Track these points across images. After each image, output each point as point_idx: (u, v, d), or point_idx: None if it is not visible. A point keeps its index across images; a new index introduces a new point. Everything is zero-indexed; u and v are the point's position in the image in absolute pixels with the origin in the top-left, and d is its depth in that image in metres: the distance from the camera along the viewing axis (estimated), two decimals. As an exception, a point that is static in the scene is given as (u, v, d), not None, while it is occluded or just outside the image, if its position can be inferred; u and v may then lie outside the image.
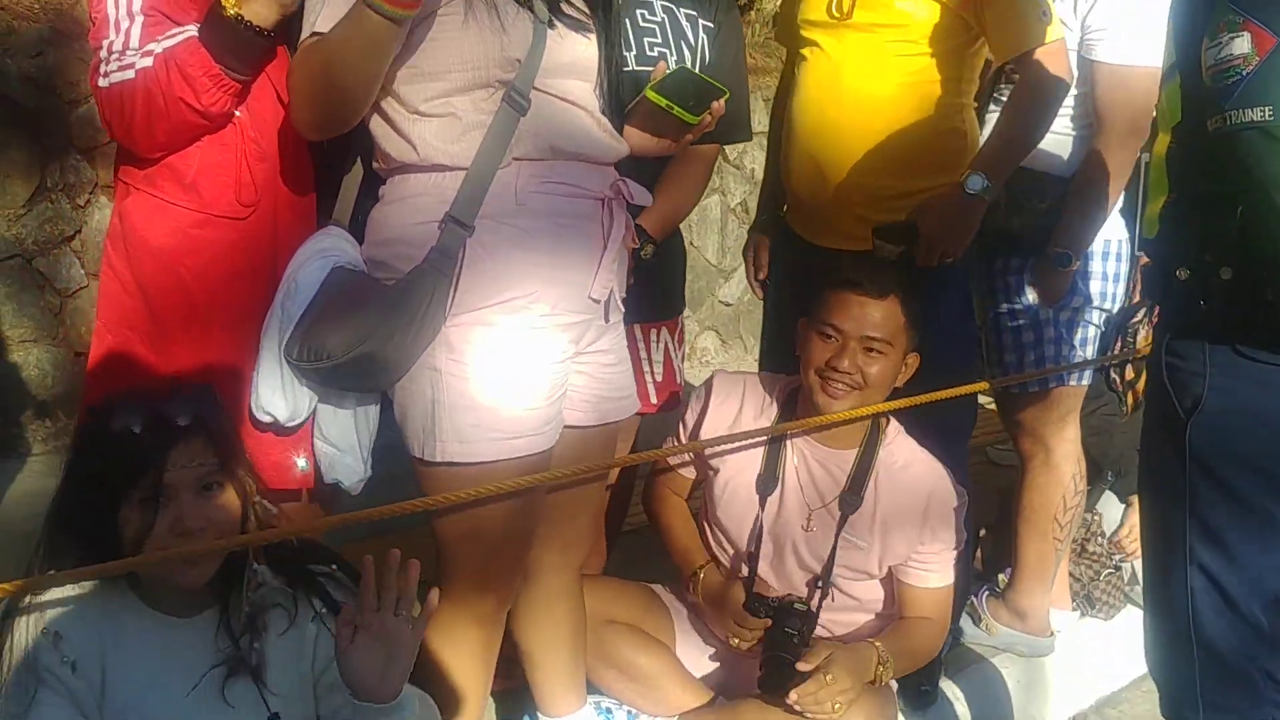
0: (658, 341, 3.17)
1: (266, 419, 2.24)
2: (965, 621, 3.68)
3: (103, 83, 2.21)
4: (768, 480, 2.89)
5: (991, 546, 3.99)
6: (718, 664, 3.07)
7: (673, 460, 3.07)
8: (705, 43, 3.05)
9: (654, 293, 3.02)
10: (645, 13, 3.00)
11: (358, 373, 2.17)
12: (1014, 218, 3.27)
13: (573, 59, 2.26)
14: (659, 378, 3.18)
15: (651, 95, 2.33)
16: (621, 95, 2.40)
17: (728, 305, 7.41)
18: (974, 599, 3.70)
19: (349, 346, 2.12)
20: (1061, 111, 3.20)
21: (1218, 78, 2.06)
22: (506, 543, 2.31)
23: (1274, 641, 2.40)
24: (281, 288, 2.25)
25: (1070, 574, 3.89)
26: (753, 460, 2.92)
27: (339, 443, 2.27)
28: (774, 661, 2.73)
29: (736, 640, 2.84)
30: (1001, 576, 3.75)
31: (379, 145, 2.25)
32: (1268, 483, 2.25)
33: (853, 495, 2.83)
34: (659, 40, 3.01)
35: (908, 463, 2.89)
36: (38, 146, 4.74)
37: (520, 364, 2.20)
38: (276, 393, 2.22)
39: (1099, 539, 3.96)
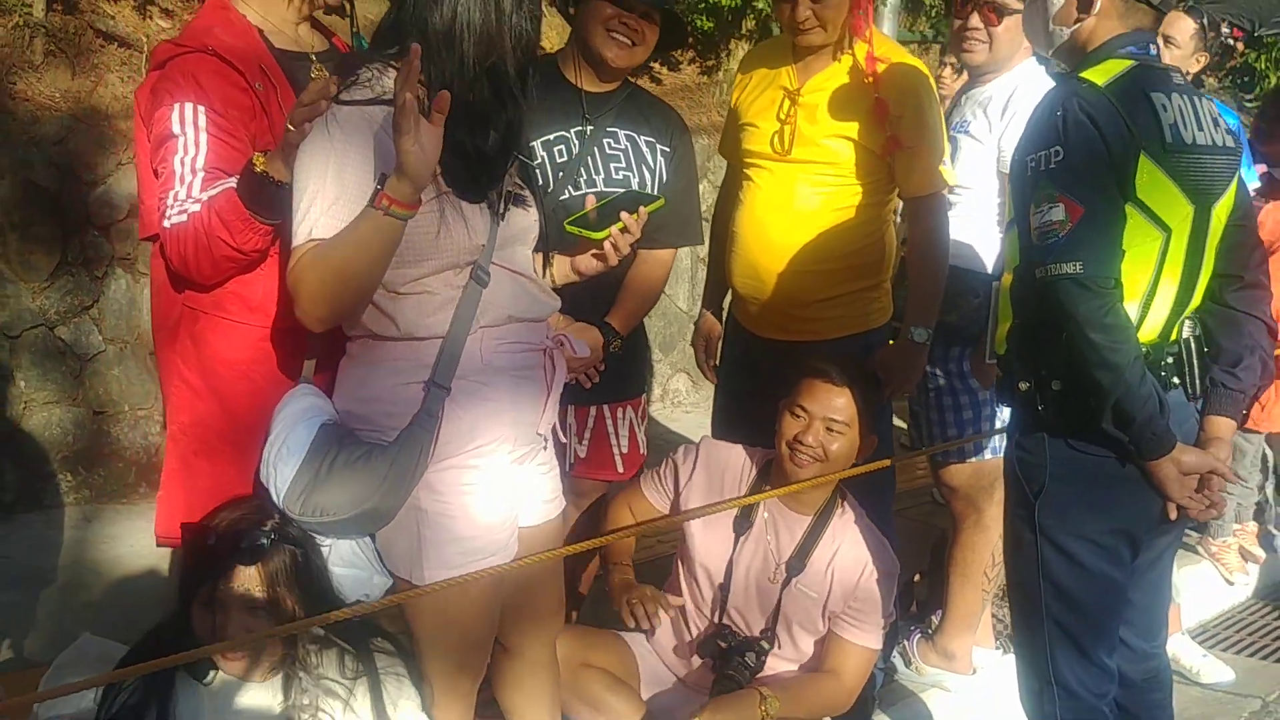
0: (623, 418, 3.67)
1: None
2: (897, 661, 4.20)
3: (166, 224, 2.62)
4: (741, 522, 3.44)
5: (925, 591, 4.50)
6: (676, 700, 3.57)
7: (648, 494, 3.59)
8: (663, 165, 3.56)
9: (619, 376, 3.51)
10: (610, 142, 3.50)
11: (360, 523, 2.52)
12: (951, 312, 3.78)
13: (518, 229, 2.64)
14: (625, 450, 3.68)
15: (567, 226, 2.79)
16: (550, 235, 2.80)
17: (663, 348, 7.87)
18: (905, 642, 4.22)
19: (355, 505, 2.47)
20: (986, 217, 3.82)
21: (1041, 237, 2.65)
22: (474, 634, 2.72)
23: (1123, 679, 2.99)
24: (272, 446, 2.55)
25: (994, 615, 4.39)
26: (733, 509, 3.44)
27: (354, 563, 2.61)
28: (726, 680, 3.29)
29: (629, 617, 3.32)
30: (933, 619, 4.25)
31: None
32: (1100, 550, 2.84)
33: (797, 561, 3.38)
34: (623, 165, 3.51)
35: (855, 540, 3.42)
36: (59, 225, 5.16)
37: (491, 498, 2.59)
38: None
39: (1019, 584, 4.46)
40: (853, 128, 3.52)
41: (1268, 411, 5.16)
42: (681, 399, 7.67)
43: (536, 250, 2.78)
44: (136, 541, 4.92)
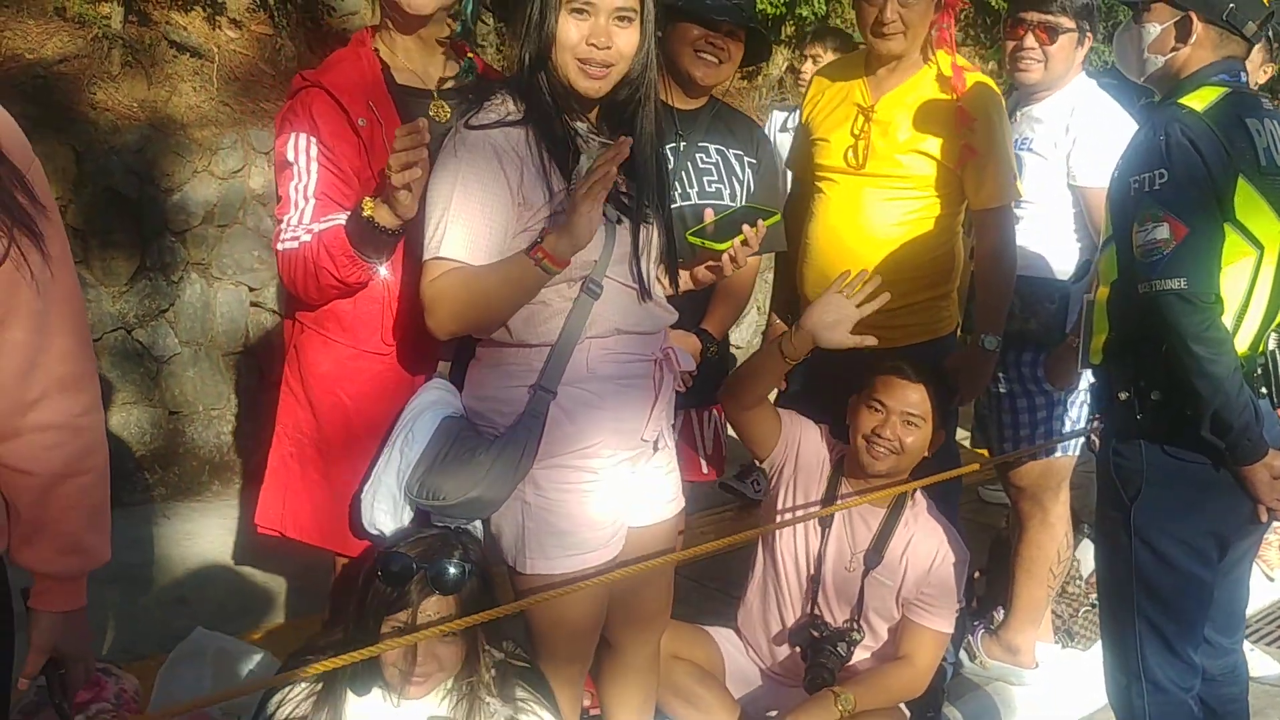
0: (708, 422, 3.78)
1: (375, 533, 2.79)
2: (963, 656, 4.30)
3: (280, 247, 2.79)
4: (826, 520, 3.54)
5: (985, 587, 4.62)
6: (758, 691, 3.72)
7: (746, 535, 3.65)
8: (750, 176, 3.68)
9: (704, 381, 3.55)
10: (702, 156, 3.61)
11: (466, 508, 2.67)
12: (1030, 320, 3.90)
13: (634, 244, 2.70)
14: (709, 451, 3.79)
15: (689, 238, 2.89)
16: (678, 253, 2.89)
17: (738, 349, 7.99)
18: (970, 637, 4.32)
19: (462, 492, 2.62)
20: (1060, 227, 3.94)
21: (1145, 254, 2.77)
22: (583, 628, 2.86)
23: (1204, 674, 3.10)
24: (399, 432, 2.72)
25: (1053, 611, 4.49)
26: (814, 494, 3.56)
27: None
28: (818, 668, 3.40)
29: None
30: (996, 614, 4.36)
31: None
32: (1192, 551, 2.96)
33: (874, 554, 3.49)
34: (715, 178, 3.62)
35: (927, 531, 3.53)
36: (137, 231, 5.30)
37: (590, 497, 2.71)
38: (389, 516, 2.74)
39: (1078, 581, 4.57)
40: (926, 142, 3.61)
41: None
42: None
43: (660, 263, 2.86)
44: (215, 538, 5.06)
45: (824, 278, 3.77)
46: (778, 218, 2.97)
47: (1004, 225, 3.71)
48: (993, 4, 9.03)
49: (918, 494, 3.57)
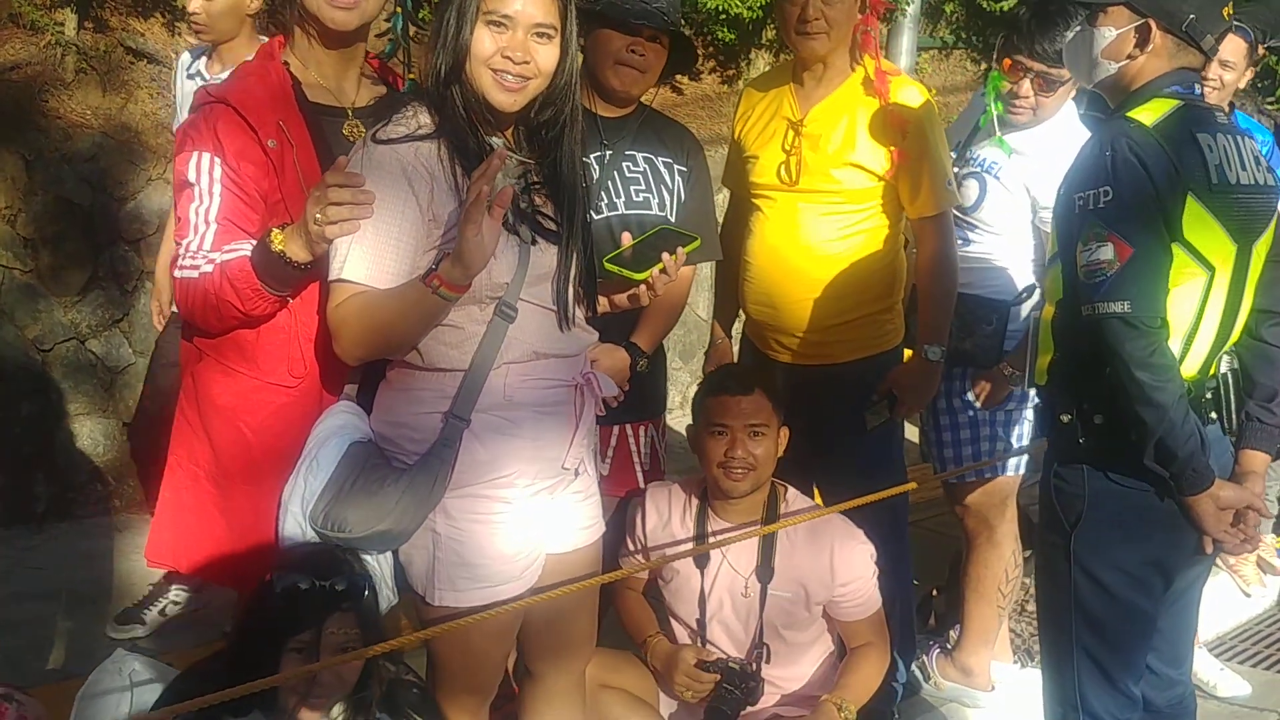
0: (645, 436, 3.62)
1: None
2: (918, 676, 4.15)
3: (177, 274, 2.60)
4: (700, 557, 3.39)
5: (944, 605, 4.46)
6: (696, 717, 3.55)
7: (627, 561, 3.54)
8: (680, 184, 3.51)
9: (640, 395, 3.42)
10: (629, 165, 3.45)
11: (374, 541, 2.54)
12: (966, 339, 3.76)
13: (549, 267, 2.58)
14: (647, 467, 3.64)
15: (606, 265, 2.74)
16: (596, 269, 2.75)
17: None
18: (924, 657, 4.17)
19: (369, 525, 2.49)
20: (1011, 252, 3.80)
21: (1089, 275, 2.61)
22: (488, 660, 2.74)
23: (1147, 706, 2.95)
24: (303, 460, 2.58)
25: (1011, 630, 4.36)
26: (686, 548, 3.39)
27: (370, 575, 2.63)
28: (715, 712, 3.26)
29: (688, 694, 3.32)
30: (952, 633, 4.21)
31: None
32: (1133, 581, 2.80)
33: (764, 568, 3.33)
34: (643, 186, 3.46)
35: (808, 525, 3.35)
36: (91, 240, 5.18)
37: (504, 528, 2.58)
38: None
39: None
40: (859, 153, 3.50)
41: None
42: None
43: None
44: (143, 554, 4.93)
45: (766, 296, 3.68)
46: (698, 243, 2.82)
47: (941, 233, 3.59)
48: (985, 6, 8.87)
49: (788, 493, 3.43)
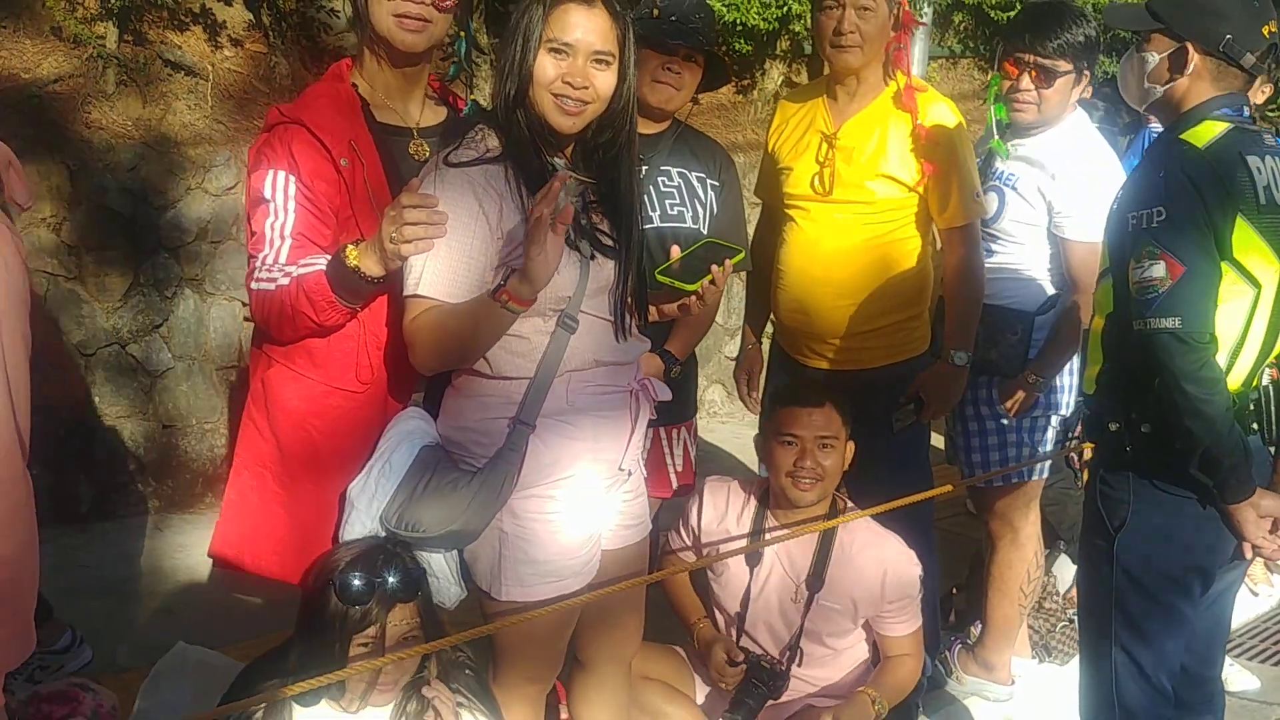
0: (677, 439, 3.70)
1: None
2: (939, 672, 4.22)
3: (254, 285, 2.67)
4: (753, 556, 3.47)
5: (964, 602, 4.54)
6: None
7: (679, 552, 3.64)
8: (713, 198, 3.60)
9: (674, 400, 3.46)
10: (664, 180, 3.54)
11: (447, 540, 2.63)
12: (991, 349, 3.81)
13: (607, 280, 2.67)
14: (679, 469, 3.71)
15: (658, 276, 2.79)
16: (647, 281, 2.82)
17: (732, 360, 7.93)
18: (947, 652, 4.23)
19: (443, 525, 2.58)
20: (1034, 262, 3.86)
21: (1141, 292, 2.67)
22: (548, 651, 2.82)
23: (1179, 702, 3.01)
24: (375, 462, 2.65)
25: (1030, 626, 4.42)
26: (739, 544, 3.49)
27: (438, 573, 2.70)
28: (739, 704, 3.36)
29: (721, 683, 3.42)
30: (973, 630, 4.28)
31: None
32: (1173, 584, 2.86)
33: (815, 579, 3.39)
34: (677, 200, 3.54)
35: (865, 542, 3.44)
36: (132, 248, 5.23)
37: (566, 527, 2.66)
38: None
39: (1055, 596, 4.50)
40: (890, 166, 3.56)
41: None
42: (717, 409, 7.71)
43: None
44: (207, 551, 4.98)
45: (798, 304, 3.74)
46: (743, 255, 2.91)
47: (969, 242, 3.65)
48: (992, 16, 8.95)
49: (848, 507, 3.48)
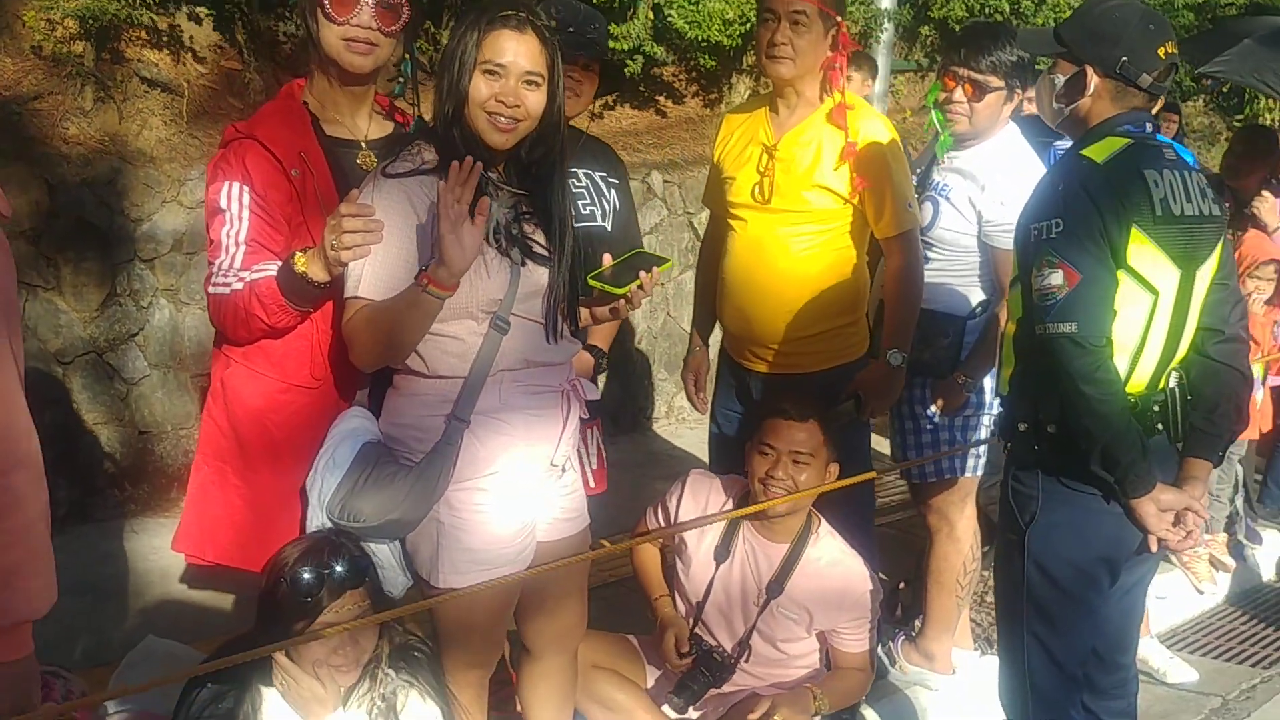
0: (591, 439, 3.79)
1: None
2: (884, 660, 4.35)
3: (210, 290, 2.83)
4: (721, 551, 3.60)
5: (910, 597, 4.67)
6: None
7: (651, 533, 3.77)
8: (615, 196, 3.80)
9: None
10: (574, 181, 3.69)
11: (386, 529, 2.77)
12: (925, 351, 3.95)
13: (538, 285, 2.80)
14: (594, 466, 3.80)
15: (590, 281, 2.94)
16: (575, 287, 2.94)
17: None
18: (890, 644, 4.37)
19: (382, 514, 2.73)
20: (966, 269, 3.99)
21: (1041, 298, 2.82)
22: (485, 637, 2.97)
23: (1092, 687, 3.16)
24: (322, 458, 2.80)
25: (971, 620, 4.56)
26: (712, 539, 3.63)
27: (384, 564, 2.84)
28: (684, 688, 3.53)
29: (668, 665, 3.56)
30: (917, 623, 4.41)
31: None
32: (1081, 576, 3.00)
33: (776, 585, 3.52)
34: (588, 200, 3.73)
35: (833, 560, 3.58)
36: (108, 259, 5.31)
37: (500, 518, 2.81)
38: None
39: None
40: (825, 177, 3.69)
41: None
42: (686, 415, 7.80)
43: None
44: (180, 554, 5.09)
45: (739, 309, 3.88)
46: (670, 264, 3.05)
47: (907, 250, 3.78)
48: (957, 30, 9.09)
49: (821, 527, 3.61)
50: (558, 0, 3.61)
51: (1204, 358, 3.05)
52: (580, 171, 3.73)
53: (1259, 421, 5.77)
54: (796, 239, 3.75)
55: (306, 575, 2.62)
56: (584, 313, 3.03)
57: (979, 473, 4.19)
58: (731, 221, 3.87)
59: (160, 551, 5.13)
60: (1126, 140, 2.90)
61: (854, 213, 3.74)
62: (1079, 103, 2.97)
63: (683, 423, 7.68)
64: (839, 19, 3.68)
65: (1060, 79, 3.00)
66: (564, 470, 2.99)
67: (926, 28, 9.46)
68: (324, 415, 2.93)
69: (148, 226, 5.43)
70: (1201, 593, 5.66)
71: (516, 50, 2.68)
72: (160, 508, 5.51)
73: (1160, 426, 2.97)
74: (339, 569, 2.64)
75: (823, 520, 3.62)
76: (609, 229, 3.73)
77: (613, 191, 3.80)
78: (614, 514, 4.08)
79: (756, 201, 3.77)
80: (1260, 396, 5.69)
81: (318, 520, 2.82)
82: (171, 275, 5.49)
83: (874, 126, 3.73)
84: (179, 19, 5.84)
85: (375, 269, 2.68)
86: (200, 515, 3.03)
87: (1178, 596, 5.56)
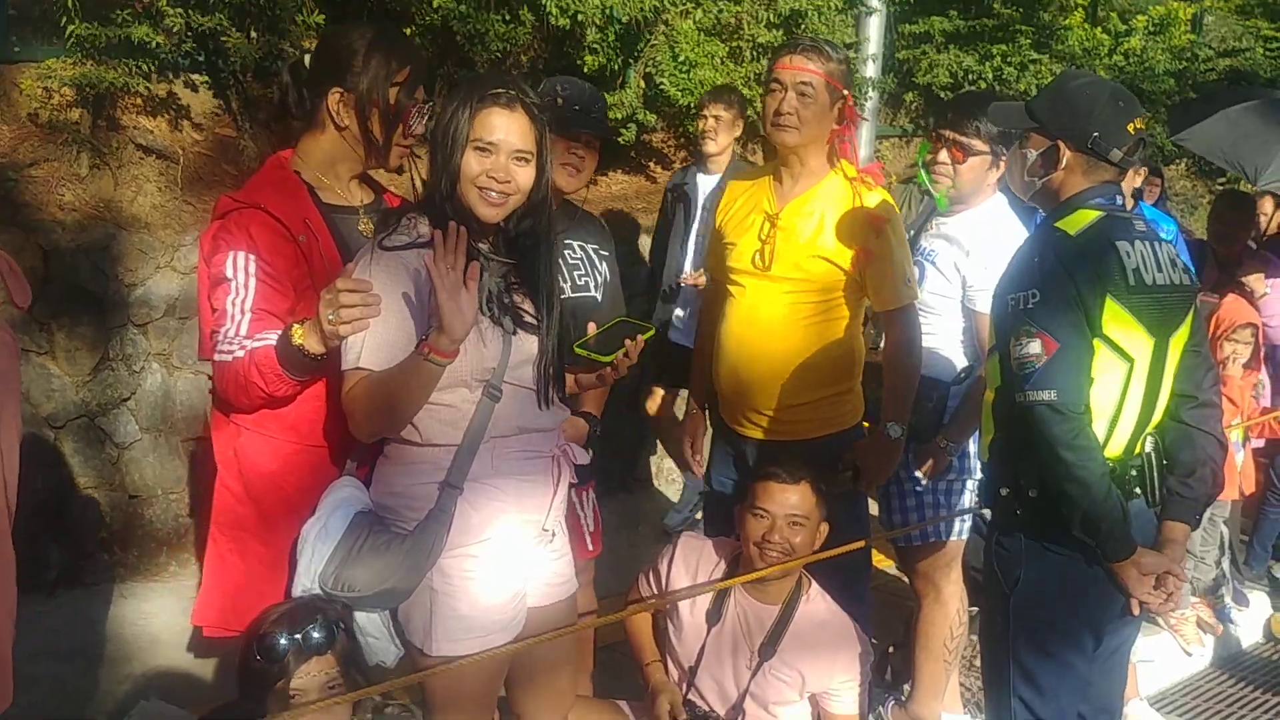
0: (587, 500, 3.89)
1: None
2: (875, 726, 4.38)
3: (216, 358, 2.87)
4: (713, 614, 3.63)
5: (900, 661, 4.69)
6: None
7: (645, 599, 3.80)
8: (605, 267, 3.90)
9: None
10: (569, 253, 3.79)
11: (379, 599, 2.79)
12: (910, 416, 3.98)
13: (528, 354, 2.86)
14: (591, 528, 3.90)
15: (576, 350, 3.00)
16: (563, 354, 3.00)
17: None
18: (880, 708, 4.39)
19: (375, 584, 2.75)
20: (950, 334, 4.07)
21: (1020, 367, 2.88)
22: (476, 705, 2.96)
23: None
24: (312, 527, 2.83)
25: (961, 684, 4.57)
26: (704, 601, 3.65)
27: (375, 634, 2.87)
28: None
29: None
30: (906, 687, 4.43)
31: None
32: (1066, 639, 3.04)
33: (768, 647, 3.54)
34: (583, 271, 3.81)
35: (824, 620, 3.61)
36: (102, 324, 5.33)
37: (493, 585, 2.83)
38: None
39: (986, 655, 4.67)
40: (827, 247, 3.73)
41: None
42: (675, 476, 7.75)
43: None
44: (170, 619, 5.05)
45: (735, 375, 3.90)
46: (652, 331, 3.10)
47: (906, 323, 3.82)
48: (942, 97, 9.22)
49: (812, 588, 3.64)
50: (564, 79, 3.76)
51: (1178, 423, 3.11)
52: (576, 244, 3.82)
53: (1241, 482, 5.82)
54: (795, 306, 3.79)
55: (273, 641, 2.67)
56: (570, 380, 3.07)
57: (964, 537, 4.23)
58: (731, 287, 3.92)
59: (150, 616, 5.14)
60: (1098, 213, 2.98)
61: (852, 282, 3.78)
62: (1052, 176, 3.05)
63: (672, 483, 7.70)
64: (845, 92, 3.75)
65: (1032, 153, 3.08)
66: (554, 535, 3.01)
67: (911, 94, 9.59)
68: (335, 469, 3.00)
69: (141, 291, 5.46)
70: (1189, 655, 5.68)
71: (507, 128, 2.76)
72: (150, 572, 5.51)
73: (1138, 490, 3.04)
74: (313, 634, 2.68)
75: (813, 581, 3.65)
76: (600, 299, 3.80)
77: (603, 263, 3.89)
78: (604, 575, 4.12)
79: (757, 268, 3.82)
80: (1240, 458, 5.74)
81: (302, 590, 2.84)
82: (164, 340, 5.52)
83: (877, 200, 3.78)
84: (176, 87, 5.90)
85: (374, 341, 2.72)
86: (223, 588, 3.04)
87: (1165, 659, 5.58)
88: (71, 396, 5.31)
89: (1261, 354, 5.90)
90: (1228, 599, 6.00)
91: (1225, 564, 5.97)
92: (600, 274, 3.86)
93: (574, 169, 3.71)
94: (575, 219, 3.88)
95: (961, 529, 4.20)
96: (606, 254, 3.92)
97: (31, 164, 5.38)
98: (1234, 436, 5.55)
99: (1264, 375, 6.01)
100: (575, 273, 3.77)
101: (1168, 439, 3.11)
